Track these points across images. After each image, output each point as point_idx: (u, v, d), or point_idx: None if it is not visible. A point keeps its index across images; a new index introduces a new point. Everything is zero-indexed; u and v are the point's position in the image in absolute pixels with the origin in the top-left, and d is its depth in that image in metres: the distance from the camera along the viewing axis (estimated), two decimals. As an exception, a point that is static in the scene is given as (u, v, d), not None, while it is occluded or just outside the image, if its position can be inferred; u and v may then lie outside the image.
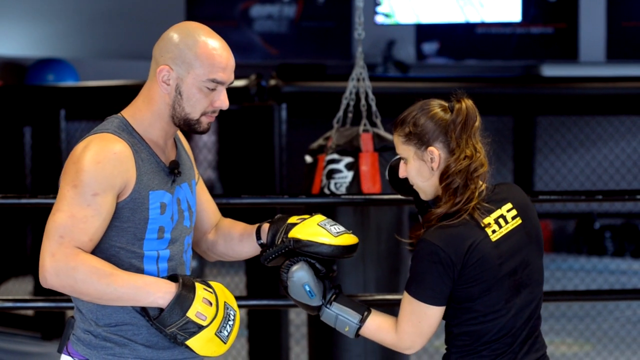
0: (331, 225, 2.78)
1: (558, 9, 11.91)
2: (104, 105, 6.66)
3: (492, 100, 5.96)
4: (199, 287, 2.56)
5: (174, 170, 2.68)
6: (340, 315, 2.77)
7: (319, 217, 2.80)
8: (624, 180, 9.91)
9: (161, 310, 2.54)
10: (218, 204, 3.03)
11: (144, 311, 2.58)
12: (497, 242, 2.67)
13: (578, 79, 7.17)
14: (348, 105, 4.55)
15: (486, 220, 2.67)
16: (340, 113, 4.53)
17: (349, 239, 2.78)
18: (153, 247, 2.63)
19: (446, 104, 2.74)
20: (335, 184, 4.32)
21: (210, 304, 2.56)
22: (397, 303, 4.18)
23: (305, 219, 2.80)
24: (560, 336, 7.12)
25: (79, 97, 6.89)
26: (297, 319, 6.75)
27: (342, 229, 2.79)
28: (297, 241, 2.74)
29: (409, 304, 2.68)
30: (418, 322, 2.67)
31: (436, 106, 2.73)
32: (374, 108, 4.51)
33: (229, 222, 2.96)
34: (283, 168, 5.87)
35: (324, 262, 2.77)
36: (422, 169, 2.73)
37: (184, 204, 2.71)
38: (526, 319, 2.72)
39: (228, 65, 2.64)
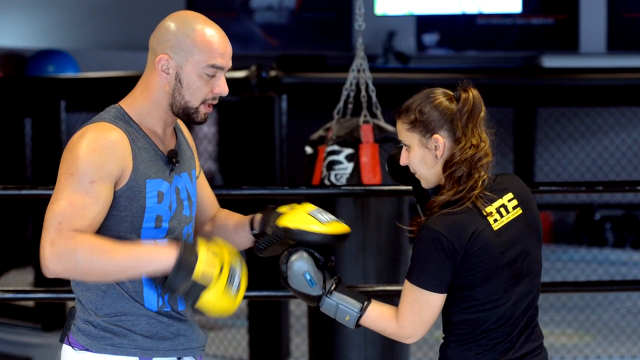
0: (320, 214, 2.78)
1: (558, 0, 11.90)
2: (104, 96, 6.63)
3: (492, 91, 5.96)
4: (201, 247, 2.55)
5: (172, 159, 2.68)
6: (341, 305, 2.77)
7: (308, 206, 2.80)
8: (624, 171, 9.90)
9: (166, 276, 2.52)
10: (218, 195, 3.03)
11: (151, 279, 2.57)
12: (499, 231, 2.68)
13: (578, 70, 7.17)
14: (348, 96, 4.55)
15: (488, 209, 2.68)
16: (341, 104, 4.53)
17: (339, 227, 2.77)
18: (150, 236, 2.63)
19: (451, 93, 2.75)
20: (336, 175, 4.32)
21: (214, 263, 2.54)
22: (398, 294, 4.18)
23: (294, 208, 2.79)
24: (561, 327, 7.12)
25: (79, 88, 6.89)
26: (298, 310, 6.75)
27: (331, 217, 2.79)
28: (286, 230, 2.74)
29: (411, 292, 2.68)
30: (420, 310, 2.67)
31: (442, 95, 2.74)
32: (374, 99, 4.51)
33: (225, 213, 2.97)
34: (283, 159, 5.87)
35: (323, 252, 2.77)
36: (425, 157, 2.73)
37: (183, 193, 2.71)
38: (524, 309, 2.73)
39: (226, 51, 2.65)
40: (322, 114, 5.08)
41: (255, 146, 5.90)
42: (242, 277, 2.61)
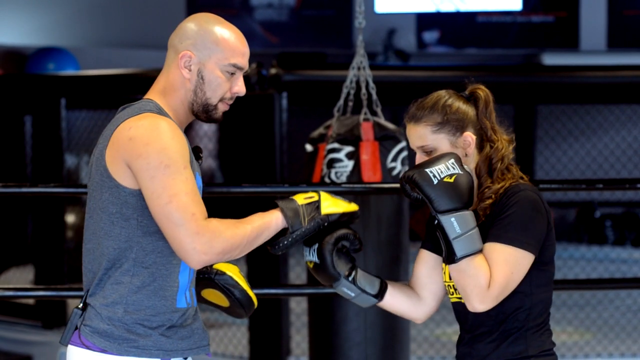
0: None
1: (559, -2, 11.90)
2: (104, 94, 6.66)
3: (492, 89, 5.93)
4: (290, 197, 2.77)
5: (199, 155, 2.74)
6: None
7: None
8: (624, 169, 9.89)
9: (280, 234, 2.71)
10: (219, 193, 3.04)
11: (277, 245, 2.73)
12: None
13: (579, 68, 7.16)
14: (349, 94, 4.55)
15: None
16: (341, 102, 4.53)
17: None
18: None
19: (458, 94, 2.79)
20: (336, 172, 4.32)
21: (306, 193, 2.78)
22: (398, 292, 4.18)
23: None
24: (561, 325, 7.12)
25: (79, 85, 6.89)
26: (298, 307, 6.75)
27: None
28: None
29: (503, 253, 2.60)
30: (510, 272, 2.60)
31: (455, 95, 2.77)
32: (374, 97, 4.51)
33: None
34: (283, 157, 5.87)
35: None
36: None
37: (200, 192, 2.72)
38: None
39: (246, 52, 2.72)
40: (322, 111, 5.08)
41: (255, 144, 5.90)
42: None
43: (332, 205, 2.76)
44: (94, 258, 2.64)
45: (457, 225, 2.60)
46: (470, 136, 2.72)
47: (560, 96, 6.72)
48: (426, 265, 2.84)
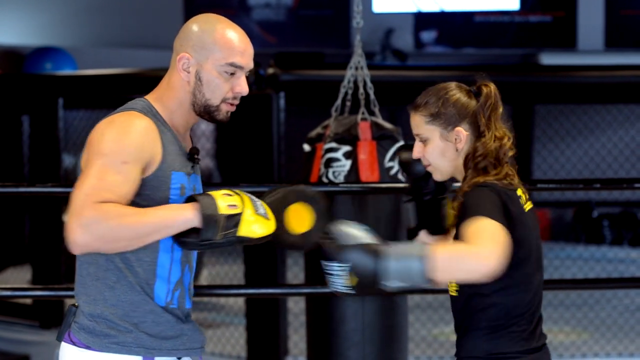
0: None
1: (556, -3, 11.91)
2: (102, 94, 6.66)
3: (490, 89, 5.95)
4: (211, 192, 2.57)
5: (193, 156, 2.71)
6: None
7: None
8: (621, 169, 9.90)
9: (194, 230, 2.53)
10: (216, 193, 3.03)
11: (182, 242, 2.56)
12: (528, 214, 2.69)
13: (576, 68, 7.16)
14: (346, 93, 4.55)
15: (519, 193, 2.70)
16: (339, 101, 4.52)
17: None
18: None
19: (467, 87, 2.78)
20: (334, 172, 4.32)
21: (230, 195, 2.56)
22: (396, 291, 4.18)
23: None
24: (558, 324, 7.12)
25: (77, 85, 6.88)
26: (296, 307, 6.75)
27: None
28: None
29: (475, 224, 2.51)
30: (492, 234, 2.49)
31: (460, 89, 2.76)
32: (372, 96, 4.51)
33: None
34: (281, 156, 5.87)
35: None
36: (446, 150, 2.74)
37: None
38: (540, 301, 2.74)
39: (246, 50, 2.69)
40: (320, 111, 5.07)
41: (253, 144, 5.90)
42: (263, 204, 2.62)
43: (253, 225, 2.57)
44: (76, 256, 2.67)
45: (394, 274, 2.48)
46: (461, 132, 2.72)
47: (558, 96, 6.72)
48: None
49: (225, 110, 2.71)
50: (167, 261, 2.64)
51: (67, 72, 9.55)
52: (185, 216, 2.52)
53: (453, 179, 2.85)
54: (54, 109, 6.74)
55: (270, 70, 5.81)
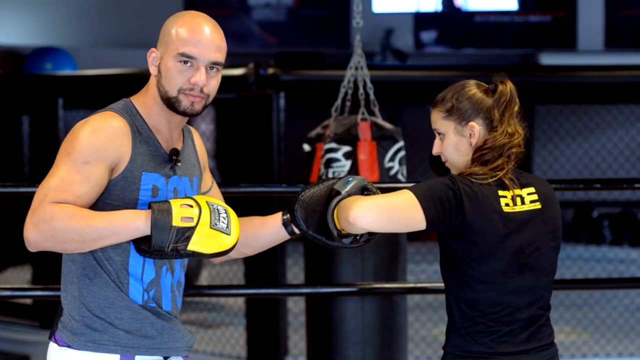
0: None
1: (556, -2, 11.91)
2: (101, 94, 6.66)
3: (490, 89, 5.94)
4: (172, 200, 2.54)
5: (172, 157, 2.67)
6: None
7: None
8: (621, 169, 9.90)
9: (149, 238, 2.50)
10: (216, 193, 3.02)
11: (137, 248, 2.54)
12: (507, 215, 2.70)
13: (576, 68, 7.16)
14: (346, 93, 4.55)
15: (502, 193, 2.72)
16: (339, 101, 4.52)
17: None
18: None
19: (486, 85, 2.84)
20: (334, 172, 4.32)
21: (190, 206, 2.51)
22: (396, 291, 4.19)
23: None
24: (559, 325, 7.13)
25: (76, 85, 6.89)
26: (295, 307, 6.76)
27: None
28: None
29: (397, 192, 2.67)
30: (389, 202, 2.65)
31: (476, 86, 2.83)
32: (372, 97, 4.51)
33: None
34: (281, 157, 5.87)
35: None
36: (460, 144, 2.78)
37: (181, 196, 2.69)
38: (529, 304, 2.73)
39: (202, 40, 2.63)
40: (319, 111, 5.08)
41: (253, 144, 5.90)
42: (230, 215, 2.57)
43: (205, 241, 2.51)
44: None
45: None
46: (475, 127, 2.76)
47: (558, 96, 6.72)
48: None
49: (186, 101, 2.64)
50: (138, 262, 2.63)
51: (67, 72, 9.55)
52: (136, 224, 2.50)
53: None
54: (54, 109, 6.74)
55: (270, 71, 5.81)
